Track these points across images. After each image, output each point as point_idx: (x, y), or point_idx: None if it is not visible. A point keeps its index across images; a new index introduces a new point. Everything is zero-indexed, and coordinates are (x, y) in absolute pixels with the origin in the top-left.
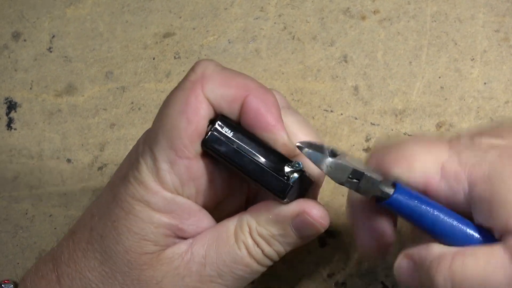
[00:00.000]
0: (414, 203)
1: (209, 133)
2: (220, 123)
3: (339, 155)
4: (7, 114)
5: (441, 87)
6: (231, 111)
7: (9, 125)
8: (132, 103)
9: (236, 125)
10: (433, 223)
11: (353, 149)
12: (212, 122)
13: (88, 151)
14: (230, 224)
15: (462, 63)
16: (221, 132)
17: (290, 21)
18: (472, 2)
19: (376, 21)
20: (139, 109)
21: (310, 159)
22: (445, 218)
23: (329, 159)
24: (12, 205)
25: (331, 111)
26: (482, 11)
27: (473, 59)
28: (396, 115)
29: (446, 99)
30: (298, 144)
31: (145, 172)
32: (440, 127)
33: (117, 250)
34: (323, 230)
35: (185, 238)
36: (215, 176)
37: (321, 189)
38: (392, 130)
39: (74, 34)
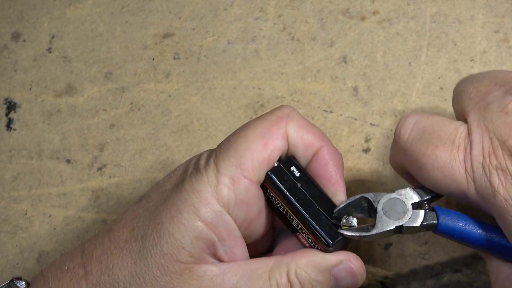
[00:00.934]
0: (459, 225)
1: (277, 165)
2: (291, 160)
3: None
4: (7, 114)
5: (441, 88)
6: (304, 154)
7: (8, 126)
8: (131, 103)
9: (303, 169)
10: (483, 243)
11: (353, 149)
12: (280, 161)
13: (88, 152)
14: (267, 261)
15: (462, 64)
16: (289, 168)
17: (290, 22)
18: (471, 3)
19: (376, 22)
20: (139, 109)
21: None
22: (492, 236)
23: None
24: (12, 205)
25: (331, 112)
26: (481, 12)
27: (473, 59)
28: (396, 116)
29: (445, 99)
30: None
31: (204, 182)
32: None
33: (154, 253)
34: (360, 283)
35: (217, 259)
36: (264, 211)
37: None
38: (391, 130)
39: (74, 34)
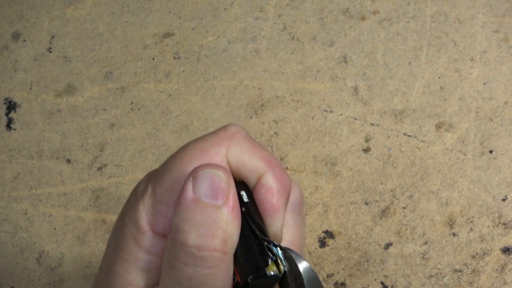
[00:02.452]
0: None
1: None
2: (242, 184)
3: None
4: (7, 114)
5: (441, 88)
6: (248, 180)
7: (8, 125)
8: (131, 103)
9: (252, 198)
10: None
11: (353, 149)
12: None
13: (88, 151)
14: None
15: (462, 64)
16: (239, 192)
17: (290, 22)
18: (471, 2)
19: (376, 21)
20: (139, 109)
21: (292, 258)
22: None
23: (307, 264)
24: (12, 205)
25: (331, 112)
26: (481, 12)
27: (473, 59)
28: (396, 116)
29: (445, 99)
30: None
31: (140, 211)
32: (440, 127)
33: None
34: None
35: None
36: None
37: (320, 190)
38: (391, 130)
39: (74, 34)
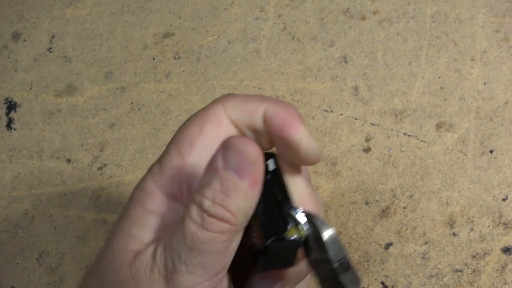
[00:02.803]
0: None
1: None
2: (271, 154)
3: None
4: (7, 114)
5: (441, 87)
6: (254, 123)
7: (9, 125)
8: (132, 103)
9: (280, 166)
10: None
11: (353, 149)
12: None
13: (88, 151)
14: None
15: (462, 64)
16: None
17: (290, 22)
18: (472, 2)
19: (376, 21)
20: (139, 109)
21: (315, 223)
22: None
23: (332, 231)
24: (12, 205)
25: (331, 111)
26: (481, 12)
27: (473, 59)
28: (396, 115)
29: (446, 99)
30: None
31: (148, 178)
32: (440, 127)
33: (105, 250)
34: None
35: None
36: None
37: (321, 190)
38: (392, 130)
39: (74, 34)
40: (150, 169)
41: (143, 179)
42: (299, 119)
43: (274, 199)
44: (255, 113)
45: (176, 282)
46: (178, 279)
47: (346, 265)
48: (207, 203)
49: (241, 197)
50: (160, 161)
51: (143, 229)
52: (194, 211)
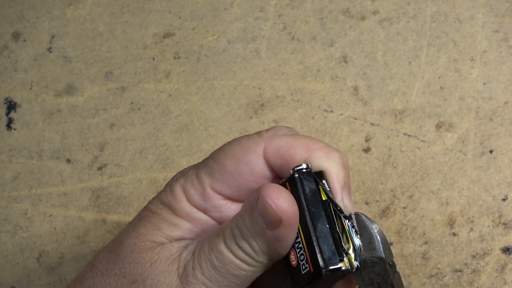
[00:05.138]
0: None
1: (308, 171)
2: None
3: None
4: (7, 114)
5: (441, 87)
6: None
7: (9, 125)
8: (132, 103)
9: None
10: None
11: (353, 149)
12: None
13: (88, 151)
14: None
15: (462, 63)
16: (321, 180)
17: (290, 22)
18: (471, 2)
19: (376, 21)
20: (139, 109)
21: (366, 224)
22: None
23: (379, 228)
24: (12, 205)
25: (331, 111)
26: (481, 12)
27: (473, 59)
28: (396, 115)
29: (445, 99)
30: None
31: (180, 183)
32: (440, 127)
33: (127, 237)
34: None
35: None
36: None
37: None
38: (391, 130)
39: (74, 34)
40: (180, 177)
41: (171, 185)
42: (346, 184)
43: (327, 222)
44: (296, 162)
45: (188, 285)
46: (191, 285)
47: (394, 267)
48: (237, 233)
49: (265, 242)
50: (197, 172)
51: (173, 228)
52: (228, 232)
